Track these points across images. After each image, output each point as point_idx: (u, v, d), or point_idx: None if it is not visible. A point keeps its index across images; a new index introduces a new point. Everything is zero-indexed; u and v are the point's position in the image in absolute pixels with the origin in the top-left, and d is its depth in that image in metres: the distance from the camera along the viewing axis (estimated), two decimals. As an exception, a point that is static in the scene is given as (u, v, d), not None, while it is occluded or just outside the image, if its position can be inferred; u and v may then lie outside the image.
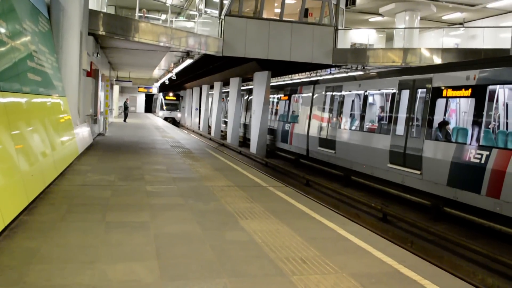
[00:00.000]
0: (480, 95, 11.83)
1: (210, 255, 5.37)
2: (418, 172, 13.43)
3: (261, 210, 7.74)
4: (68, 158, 11.63)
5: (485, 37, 24.46)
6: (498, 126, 12.05)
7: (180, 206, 7.87)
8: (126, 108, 39.41)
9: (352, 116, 18.87)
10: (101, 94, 23.64)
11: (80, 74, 15.02)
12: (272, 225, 6.82)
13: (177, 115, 55.72)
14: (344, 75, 25.06)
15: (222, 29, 22.12)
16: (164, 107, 55.85)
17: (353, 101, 18.95)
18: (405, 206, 13.82)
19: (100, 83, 23.11)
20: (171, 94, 56.50)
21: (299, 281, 4.67)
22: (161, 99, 56.57)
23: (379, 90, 17.53)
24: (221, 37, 22.07)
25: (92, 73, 18.07)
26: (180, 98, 57.63)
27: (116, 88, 45.10)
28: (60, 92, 12.36)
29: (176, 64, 29.52)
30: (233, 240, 6.02)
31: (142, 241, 5.78)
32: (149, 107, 73.05)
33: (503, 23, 25.15)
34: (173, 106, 56.44)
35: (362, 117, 17.52)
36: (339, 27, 24.41)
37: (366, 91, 17.64)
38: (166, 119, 51.48)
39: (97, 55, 19.80)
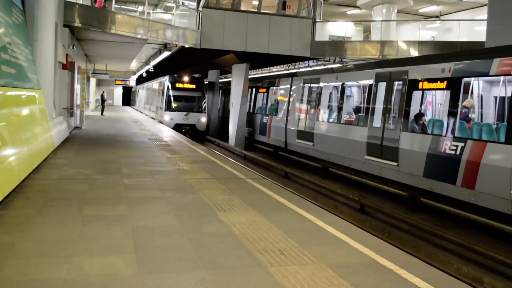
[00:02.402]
0: (455, 87, 11.99)
1: (188, 248, 5.37)
2: (395, 163, 13.57)
3: (240, 202, 7.75)
4: (44, 152, 11.48)
5: (461, 30, 24.74)
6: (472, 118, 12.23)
7: (158, 199, 7.84)
8: (103, 101, 38.98)
9: (329, 108, 18.97)
10: (77, 87, 23.34)
11: (55, 67, 14.81)
12: (250, 217, 6.84)
13: (201, 119, 28.96)
14: (322, 67, 25.15)
15: (200, 21, 22.02)
16: (174, 105, 29.09)
17: (330, 93, 19.05)
18: (383, 197, 13.97)
19: (76, 75, 22.81)
20: (186, 78, 29.82)
21: (277, 272, 4.70)
22: (166, 89, 29.45)
23: (357, 82, 17.65)
24: (199, 29, 21.97)
25: (68, 66, 17.81)
26: (204, 86, 30.83)
27: (92, 81, 44.54)
28: (35, 85, 12.18)
29: (154, 56, 29.32)
30: (211, 232, 6.02)
31: (120, 235, 5.75)
32: (127, 100, 67.51)
33: (478, 16, 25.44)
34: (191, 102, 29.79)
35: (340, 109, 17.62)
36: (317, 20, 24.48)
37: (343, 84, 17.73)
38: (179, 128, 27.65)
39: (73, 47, 19.56)
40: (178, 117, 28.43)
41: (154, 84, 37.00)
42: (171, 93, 29.11)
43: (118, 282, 4.33)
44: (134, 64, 39.99)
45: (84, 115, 24.53)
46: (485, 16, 18.28)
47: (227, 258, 5.08)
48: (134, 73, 49.08)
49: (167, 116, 28.58)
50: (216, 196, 8.20)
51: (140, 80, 49.09)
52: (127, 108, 57.74)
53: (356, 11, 30.33)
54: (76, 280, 4.34)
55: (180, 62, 31.65)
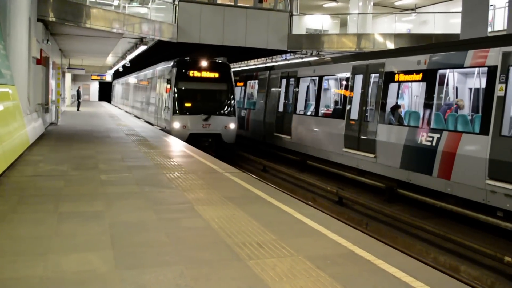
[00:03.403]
0: (431, 79, 12.12)
1: (166, 243, 5.34)
2: (372, 155, 13.68)
3: (218, 197, 7.74)
4: (18, 149, 11.30)
5: (436, 22, 25.04)
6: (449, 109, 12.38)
7: (136, 195, 7.78)
8: (79, 96, 38.51)
9: (307, 101, 19.03)
10: (52, 82, 23.00)
11: (29, 62, 14.58)
12: (229, 210, 6.83)
13: (229, 125, 19.48)
14: (299, 60, 25.19)
15: (177, 15, 21.91)
16: (187, 104, 19.58)
17: (308, 86, 19.11)
18: (360, 189, 14.09)
19: (51, 71, 22.47)
20: (205, 63, 19.66)
21: (256, 265, 4.70)
22: (174, 79, 19.41)
23: (334, 75, 17.72)
24: (175, 23, 21.85)
25: (42, 61, 17.53)
26: (232, 75, 20.36)
27: (68, 76, 43.96)
28: (9, 81, 11.96)
29: (130, 51, 29.04)
30: (189, 227, 6.00)
31: (97, 231, 5.69)
32: (104, 95, 64.85)
33: (453, 9, 25.72)
34: (214, 100, 20.09)
35: (317, 102, 17.69)
36: (294, 13, 24.52)
37: (320, 76, 17.79)
38: (196, 140, 18.38)
39: (47, 42, 19.27)
40: (195, 123, 18.57)
41: (151, 73, 25.72)
42: (182, 86, 19.13)
43: (96, 279, 4.29)
44: (110, 59, 39.53)
45: (60, 111, 24.20)
46: (459, 9, 18.51)
47: (206, 252, 5.07)
48: (111, 67, 48.51)
49: (177, 123, 18.45)
50: (194, 190, 8.17)
51: (124, 71, 39.55)
52: (104, 103, 56.76)
53: (333, 4, 30.46)
54: (53, 277, 4.29)
55: (157, 56, 31.37)
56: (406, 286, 4.35)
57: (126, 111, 37.77)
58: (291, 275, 4.48)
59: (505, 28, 18.02)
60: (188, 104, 19.35)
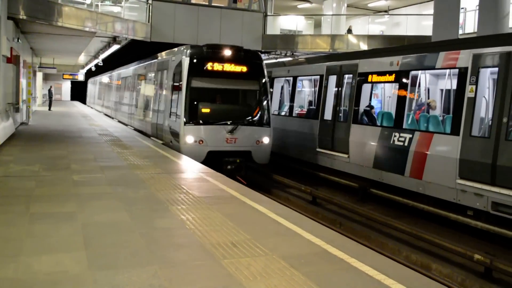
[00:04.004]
0: (403, 80, 12.29)
1: (140, 243, 5.30)
2: (346, 155, 13.80)
3: (192, 196, 7.71)
4: (-12, 149, 11.08)
5: (409, 24, 25.42)
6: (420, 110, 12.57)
7: (109, 195, 7.70)
8: (50, 96, 37.90)
9: (281, 101, 19.09)
10: (23, 82, 22.59)
11: (-1, 60, 14.29)
12: (203, 210, 6.82)
13: (262, 139, 13.78)
14: (274, 61, 25.27)
15: (150, 14, 21.80)
16: (203, 109, 13.80)
17: (282, 86, 19.17)
18: (334, 189, 14.20)
19: (21, 69, 22.07)
20: (228, 51, 13.69)
21: (230, 265, 4.71)
22: (186, 74, 13.49)
23: (308, 76, 17.82)
24: (149, 22, 21.70)
25: (12, 60, 17.19)
26: (263, 70, 14.28)
27: (39, 75, 43.19)
28: (-22, 79, 11.73)
29: (103, 50, 28.73)
30: (163, 227, 5.97)
31: (69, 232, 5.62)
32: (77, 94, 62.74)
33: (425, 11, 26.15)
34: (240, 104, 15.12)
35: (292, 103, 17.76)
36: (268, 13, 24.59)
37: (295, 77, 17.87)
38: (216, 159, 13.06)
39: (18, 41, 18.89)
40: (215, 137, 13.35)
41: (147, 67, 19.66)
42: (197, 83, 13.70)
43: (68, 280, 4.24)
44: (82, 58, 39.03)
45: (31, 111, 23.79)
46: (431, 11, 18.81)
47: (180, 252, 5.06)
48: (83, 67, 47.88)
49: (191, 136, 13.23)
50: (168, 190, 8.13)
51: (104, 67, 34.87)
52: (76, 103, 55.76)
53: (307, 5, 30.64)
54: (24, 279, 4.22)
55: (131, 55, 31.11)
56: (378, 283, 4.40)
57: (108, 115, 31.21)
58: (265, 274, 4.50)
59: (476, 30, 18.38)
60: (206, 110, 13.77)
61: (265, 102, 14.23)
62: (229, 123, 13.39)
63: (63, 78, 52.18)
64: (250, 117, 14.07)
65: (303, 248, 5.38)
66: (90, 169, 10.07)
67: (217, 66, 13.59)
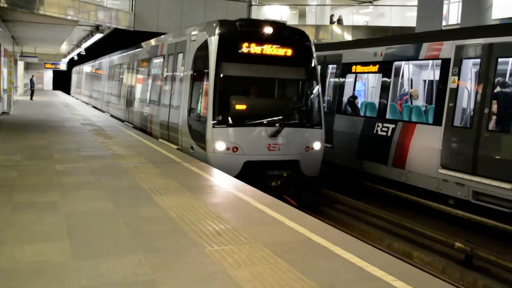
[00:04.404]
0: (387, 70, 12.36)
1: (124, 232, 5.29)
2: (329, 145, 13.87)
3: (176, 186, 7.71)
4: (-32, 138, 10.94)
5: (393, 15, 25.52)
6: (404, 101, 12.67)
7: (92, 185, 7.65)
8: (32, 85, 37.44)
9: None
10: (3, 71, 22.29)
11: (-21, 49, 14.09)
12: (187, 199, 6.82)
13: (313, 145, 10.68)
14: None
15: (134, 2, 21.61)
16: (237, 106, 10.62)
17: None
18: (318, 178, 14.25)
19: (2, 58, 21.77)
20: (268, 28, 10.53)
21: (214, 253, 4.73)
22: (213, 58, 10.25)
23: None
24: (132, 11, 21.50)
25: (-7, 48, 16.99)
26: (312, 54, 11.13)
27: (20, 64, 42.62)
28: (-43, 68, 11.56)
29: (86, 39, 28.44)
30: (147, 216, 5.96)
31: (52, 221, 5.59)
32: (59, 84, 62.07)
33: (409, 2, 26.26)
34: (286, 103, 11.60)
35: None
36: (253, 3, 24.50)
37: None
38: (255, 172, 9.89)
39: (-1, 29, 18.65)
40: (253, 142, 10.29)
41: (156, 48, 15.76)
42: (228, 71, 10.72)
43: (52, 269, 4.22)
44: (64, 47, 38.59)
45: (12, 100, 23.49)
46: (415, 2, 18.90)
47: (164, 241, 5.06)
48: (65, 56, 47.34)
49: (221, 142, 10.18)
50: (152, 180, 8.10)
51: (81, 59, 33.59)
52: (58, 92, 54.94)
53: (292, -5, 30.56)
54: (7, 268, 4.19)
55: (114, 44, 30.82)
56: (360, 270, 4.46)
57: (98, 108, 27.11)
58: (249, 262, 4.53)
59: (459, 22, 18.53)
60: (241, 106, 10.73)
61: (316, 95, 11.11)
62: (270, 123, 10.27)
63: (45, 68, 51.37)
64: (297, 116, 11.26)
65: (287, 236, 5.41)
66: (73, 159, 9.99)
67: (255, 49, 10.48)
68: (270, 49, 10.52)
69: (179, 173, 8.96)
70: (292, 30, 11.27)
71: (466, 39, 10.27)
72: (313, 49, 11.25)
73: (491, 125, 9.51)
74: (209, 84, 10.20)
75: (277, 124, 10.21)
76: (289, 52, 10.69)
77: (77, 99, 41.03)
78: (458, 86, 10.27)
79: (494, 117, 9.58)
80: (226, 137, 10.05)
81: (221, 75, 10.30)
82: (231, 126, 10.19)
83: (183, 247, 4.90)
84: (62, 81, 61.95)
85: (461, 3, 18.09)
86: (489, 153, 9.38)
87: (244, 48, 10.44)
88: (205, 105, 10.35)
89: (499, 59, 9.55)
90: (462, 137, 9.96)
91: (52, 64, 49.02)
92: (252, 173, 9.88)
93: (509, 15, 20.56)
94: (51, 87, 64.21)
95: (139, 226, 5.54)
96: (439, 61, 10.96)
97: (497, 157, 9.28)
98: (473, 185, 9.65)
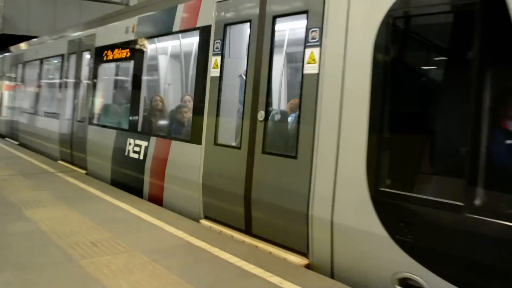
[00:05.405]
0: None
1: (-10, 250, 4.95)
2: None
3: (49, 198, 7.34)
4: None
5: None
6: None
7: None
8: None
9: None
10: None
11: None
12: (61, 211, 6.52)
13: None
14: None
15: (2, 5, 20.52)
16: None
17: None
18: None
19: None
20: None
21: (89, 264, 4.57)
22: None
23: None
24: (0, 13, 20.41)
25: None
26: None
27: None
28: None
29: None
30: (16, 231, 5.60)
31: None
32: None
33: None
34: None
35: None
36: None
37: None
38: None
39: None
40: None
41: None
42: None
43: None
44: None
45: None
46: None
47: (35, 256, 4.79)
48: None
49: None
50: (22, 192, 7.64)
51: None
52: None
53: None
54: None
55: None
56: (239, 269, 4.57)
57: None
58: (126, 271, 4.43)
59: None
60: None
61: None
62: None
63: None
64: None
65: (166, 241, 5.39)
66: None
67: None
68: None
69: (53, 184, 8.54)
70: None
71: None
72: None
73: None
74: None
75: None
76: None
77: None
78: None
79: None
80: None
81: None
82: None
83: (56, 261, 4.68)
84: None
85: None
86: None
87: None
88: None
89: None
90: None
91: None
92: None
93: None
94: None
95: (7, 243, 5.20)
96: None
97: None
98: None
